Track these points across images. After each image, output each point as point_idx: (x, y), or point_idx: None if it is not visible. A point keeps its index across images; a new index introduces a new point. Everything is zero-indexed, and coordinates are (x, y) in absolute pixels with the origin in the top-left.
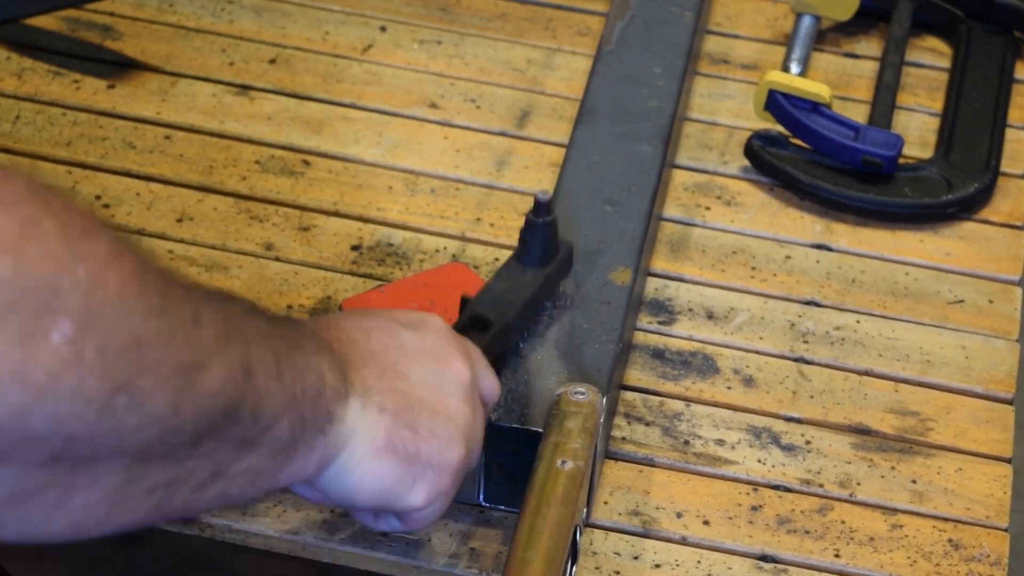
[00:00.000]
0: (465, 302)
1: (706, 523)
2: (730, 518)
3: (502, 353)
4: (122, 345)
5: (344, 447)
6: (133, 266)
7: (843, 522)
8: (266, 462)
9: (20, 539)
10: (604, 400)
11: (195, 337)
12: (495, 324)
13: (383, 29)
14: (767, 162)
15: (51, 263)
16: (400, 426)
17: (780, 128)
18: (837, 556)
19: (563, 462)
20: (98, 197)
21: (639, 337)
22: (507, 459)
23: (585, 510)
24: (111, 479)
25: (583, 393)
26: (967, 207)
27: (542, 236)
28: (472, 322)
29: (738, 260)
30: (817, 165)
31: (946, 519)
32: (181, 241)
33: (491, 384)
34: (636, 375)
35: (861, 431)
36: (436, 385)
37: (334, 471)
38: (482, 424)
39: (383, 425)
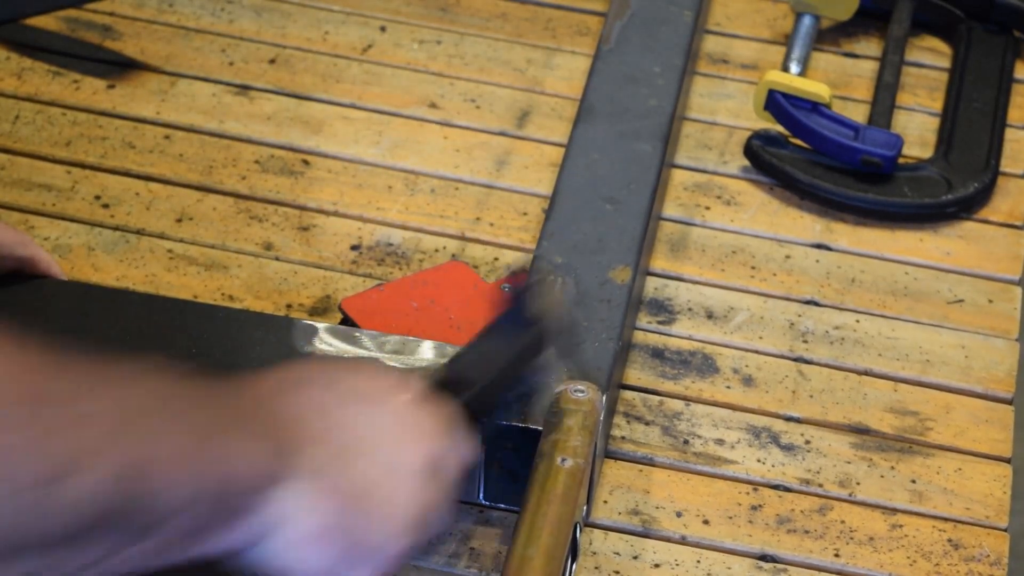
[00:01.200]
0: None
1: (706, 522)
2: (730, 517)
3: (484, 413)
4: None
5: (273, 532)
6: None
7: (843, 522)
8: (171, 544)
9: None
10: (604, 398)
11: (59, 445)
12: (475, 383)
13: (383, 29)
14: (767, 162)
15: None
16: (345, 514)
17: (780, 128)
18: (837, 556)
19: (563, 460)
20: (98, 197)
21: (639, 336)
22: (507, 457)
23: (585, 508)
24: None
25: (583, 391)
26: (967, 207)
27: (519, 303)
28: (450, 382)
29: (738, 260)
30: (817, 165)
31: (946, 519)
32: (181, 241)
33: (466, 451)
34: (636, 374)
35: (861, 431)
36: (392, 470)
37: (261, 552)
38: (448, 496)
39: (323, 512)
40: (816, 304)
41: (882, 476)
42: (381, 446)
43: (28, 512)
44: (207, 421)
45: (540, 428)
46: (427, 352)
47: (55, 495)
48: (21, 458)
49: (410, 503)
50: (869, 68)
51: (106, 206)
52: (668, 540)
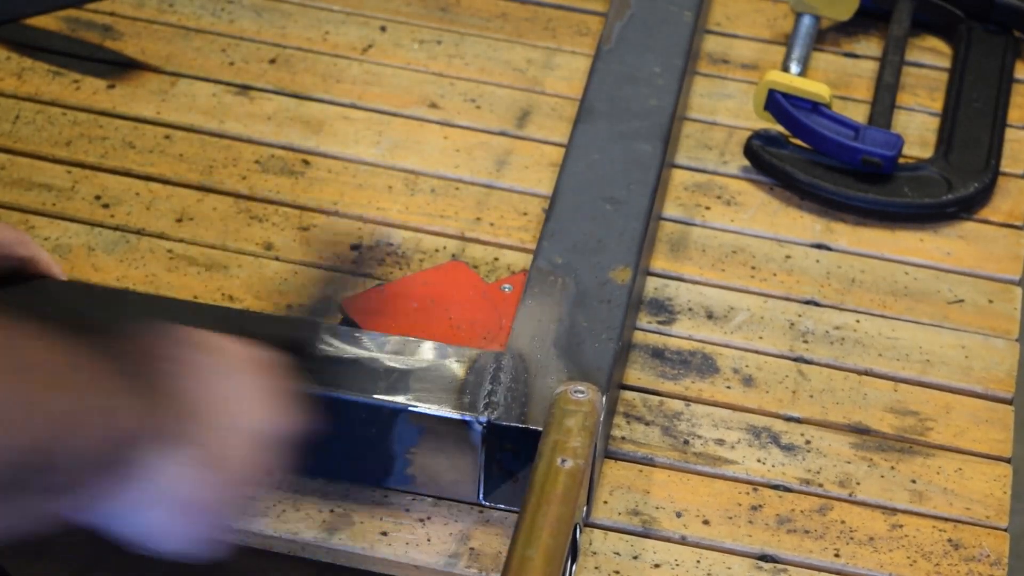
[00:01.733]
0: None
1: (706, 523)
2: (730, 518)
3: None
4: None
5: (142, 492)
6: None
7: (843, 522)
8: (46, 499)
9: None
10: (604, 399)
11: None
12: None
13: (383, 29)
14: (767, 162)
15: None
16: (202, 483)
17: (780, 128)
18: (837, 556)
19: (563, 460)
20: (98, 197)
21: (639, 337)
22: (507, 458)
23: (585, 508)
24: None
25: (583, 392)
26: (967, 207)
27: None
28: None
29: (738, 260)
30: (817, 165)
31: (946, 519)
32: (181, 240)
33: (297, 421)
34: (636, 374)
35: (861, 431)
36: (241, 434)
37: (126, 513)
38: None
39: (187, 481)
40: (816, 304)
41: (882, 476)
42: (239, 414)
43: None
44: (90, 376)
45: (540, 429)
46: (427, 353)
47: None
48: None
49: (249, 465)
50: (869, 68)
51: (106, 206)
52: (668, 540)
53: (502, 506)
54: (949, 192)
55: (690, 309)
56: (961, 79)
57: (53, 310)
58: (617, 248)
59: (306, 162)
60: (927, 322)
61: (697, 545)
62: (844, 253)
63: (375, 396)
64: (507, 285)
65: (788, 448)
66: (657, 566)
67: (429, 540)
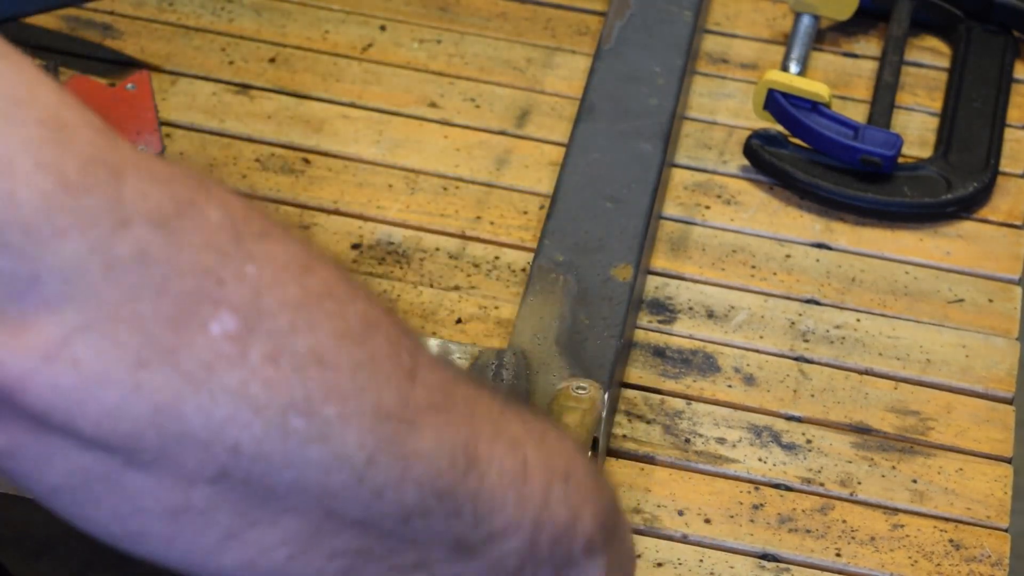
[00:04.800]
0: None
1: (707, 521)
2: (731, 516)
3: None
4: (299, 359)
5: None
6: (330, 286)
7: (844, 521)
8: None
9: (186, 565)
10: (606, 396)
11: (404, 388)
12: None
13: (383, 28)
14: (766, 161)
15: (212, 252)
16: None
17: (779, 127)
18: (838, 555)
19: None
20: None
21: (640, 335)
22: None
23: None
24: (294, 523)
25: (584, 388)
26: (966, 206)
27: None
28: None
29: (738, 259)
30: (816, 164)
31: (947, 519)
32: None
33: None
34: (637, 373)
35: (862, 430)
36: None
37: None
38: None
39: None
40: (816, 303)
41: (883, 476)
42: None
43: (359, 446)
44: (517, 429)
45: None
46: (430, 350)
47: (395, 439)
48: (363, 379)
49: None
50: (869, 68)
51: None
52: (670, 539)
53: None
54: (949, 192)
55: (691, 308)
56: (960, 79)
57: None
58: (618, 246)
59: (306, 160)
60: (927, 321)
61: (699, 544)
62: (844, 252)
63: None
64: (130, 84)
65: (789, 447)
66: (660, 565)
67: None
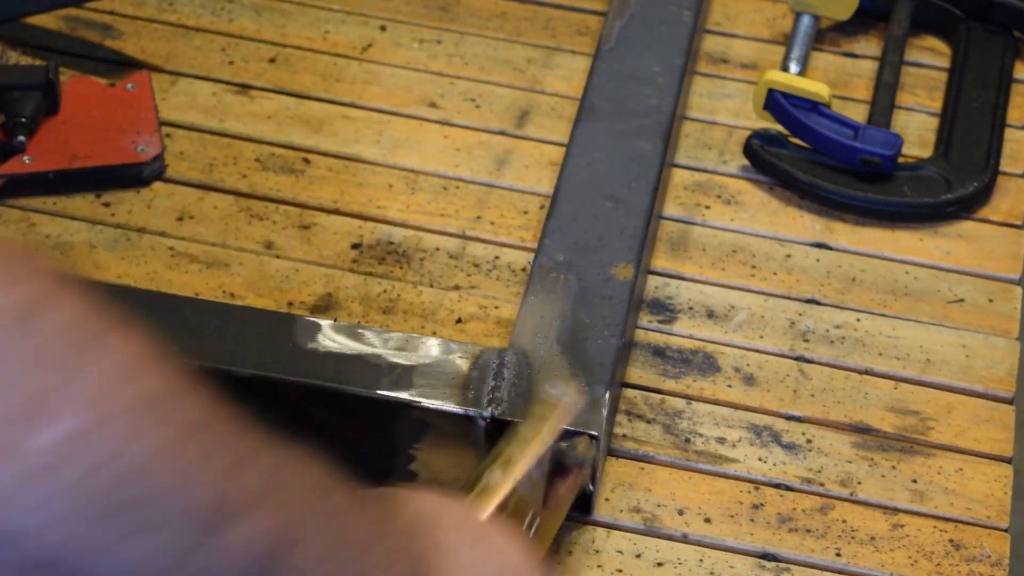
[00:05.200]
0: None
1: (707, 521)
2: (731, 516)
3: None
4: (125, 468)
5: None
6: (154, 390)
7: (844, 521)
8: None
9: None
10: (607, 396)
11: (225, 483)
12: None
13: (383, 28)
14: (766, 161)
15: (56, 361)
16: None
17: (779, 127)
18: (838, 555)
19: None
20: (98, 195)
21: (640, 335)
22: None
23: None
24: None
25: (563, 393)
26: (966, 206)
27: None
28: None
29: (738, 259)
30: (816, 164)
31: (947, 519)
32: (182, 239)
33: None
34: (637, 373)
35: (862, 430)
36: None
37: None
38: None
39: None
40: (816, 303)
41: (883, 476)
42: None
43: (173, 544)
44: (354, 523)
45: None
46: (432, 349)
47: (212, 533)
48: (180, 482)
49: None
50: (868, 68)
51: (107, 204)
52: (671, 539)
53: None
54: (949, 192)
55: (691, 308)
56: (960, 79)
57: None
58: (619, 245)
59: (306, 160)
60: (927, 321)
61: (699, 543)
62: (844, 252)
63: (379, 391)
64: (130, 84)
65: (789, 447)
66: (660, 564)
67: None
